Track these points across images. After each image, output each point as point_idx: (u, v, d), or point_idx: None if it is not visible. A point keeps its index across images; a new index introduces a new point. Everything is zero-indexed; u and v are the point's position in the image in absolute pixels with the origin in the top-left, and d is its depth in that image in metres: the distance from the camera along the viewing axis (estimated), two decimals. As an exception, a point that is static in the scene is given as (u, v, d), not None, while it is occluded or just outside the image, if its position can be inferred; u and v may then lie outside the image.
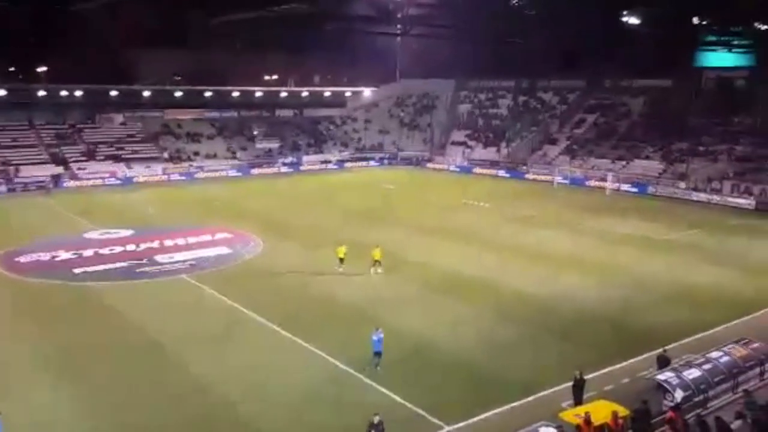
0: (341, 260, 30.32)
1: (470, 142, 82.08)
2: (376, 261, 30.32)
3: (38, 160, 63.48)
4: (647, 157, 65.00)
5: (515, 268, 32.11)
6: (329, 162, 77.75)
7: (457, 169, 76.29)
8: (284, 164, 74.52)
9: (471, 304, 26.64)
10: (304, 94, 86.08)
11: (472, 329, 23.92)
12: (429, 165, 79.41)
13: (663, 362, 19.33)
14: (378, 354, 20.08)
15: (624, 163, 65.49)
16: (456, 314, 25.43)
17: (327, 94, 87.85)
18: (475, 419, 17.78)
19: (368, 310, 25.62)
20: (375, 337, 20.28)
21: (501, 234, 39.81)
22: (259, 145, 77.33)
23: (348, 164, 78.13)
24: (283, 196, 54.73)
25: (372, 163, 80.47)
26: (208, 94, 78.27)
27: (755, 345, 19.41)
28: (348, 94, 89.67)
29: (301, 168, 74.33)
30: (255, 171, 71.15)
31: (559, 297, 27.66)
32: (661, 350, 20.15)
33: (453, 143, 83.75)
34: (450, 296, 27.40)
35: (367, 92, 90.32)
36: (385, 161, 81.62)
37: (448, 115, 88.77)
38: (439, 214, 46.69)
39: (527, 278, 30.18)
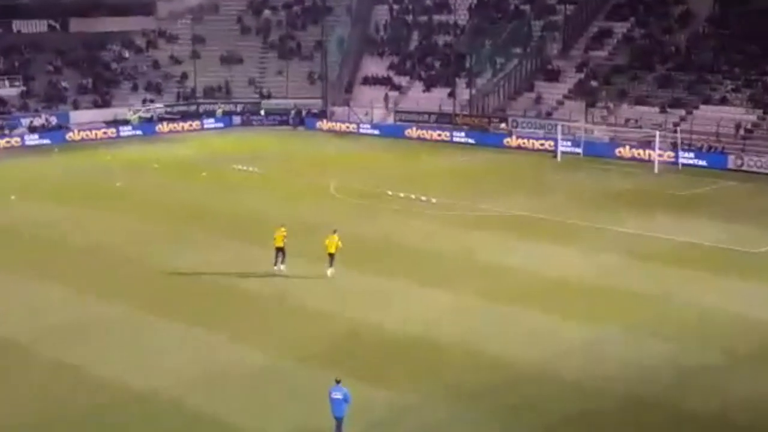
0: (331, 256, 37.15)
1: (399, 80, 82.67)
2: (331, 255, 36.90)
3: None
4: (724, 101, 67.78)
5: (486, 316, 33.12)
6: (124, 124, 76.70)
7: (377, 131, 76.76)
8: (33, 130, 73.37)
9: (409, 388, 27.00)
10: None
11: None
12: (323, 124, 79.57)
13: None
14: (339, 421, 23.32)
15: (683, 112, 67.85)
16: (374, 414, 25.61)
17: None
18: None
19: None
20: (334, 395, 23.43)
21: (462, 253, 41.01)
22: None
23: (163, 127, 77.50)
24: (29, 194, 54.05)
25: (210, 123, 79.77)
26: None
27: None
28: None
29: (68, 136, 73.48)
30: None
31: (556, 364, 28.93)
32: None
33: (366, 82, 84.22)
34: (364, 378, 27.33)
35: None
36: (237, 120, 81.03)
37: (354, 27, 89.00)
38: (347, 217, 46.61)
39: (506, 335, 31.45)
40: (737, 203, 52.23)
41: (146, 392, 26.85)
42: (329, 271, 36.89)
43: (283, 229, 38.01)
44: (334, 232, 37.25)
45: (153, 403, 26.32)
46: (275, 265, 37.75)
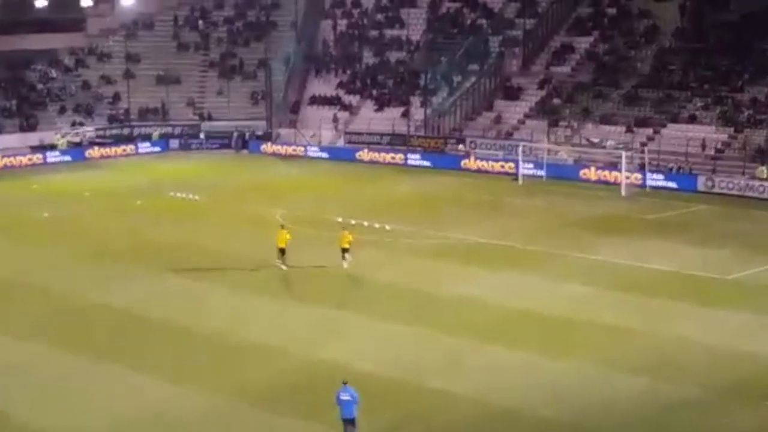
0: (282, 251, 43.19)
1: (349, 99, 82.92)
2: (344, 249, 42.78)
3: None
4: (694, 119, 68.51)
5: (447, 351, 33.38)
6: (52, 149, 76.18)
7: (326, 155, 76.81)
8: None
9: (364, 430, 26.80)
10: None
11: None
12: (268, 148, 79.75)
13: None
14: (349, 423, 24.73)
15: (650, 131, 68.61)
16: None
17: (42, 3, 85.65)
18: None
19: None
20: (342, 397, 24.99)
21: (420, 283, 41.25)
22: None
23: (94, 152, 77.01)
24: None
25: (145, 147, 79.47)
26: None
27: None
28: (89, 3, 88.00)
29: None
30: None
31: (523, 402, 29.09)
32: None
33: (314, 102, 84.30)
34: (312, 417, 27.09)
35: (128, 0, 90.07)
36: (175, 143, 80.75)
37: (300, 43, 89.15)
38: (295, 247, 46.17)
39: (469, 371, 31.59)
40: (709, 227, 53.05)
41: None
42: (345, 263, 42.59)
43: (284, 231, 43.43)
44: (344, 228, 44.22)
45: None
46: (277, 261, 43.26)
